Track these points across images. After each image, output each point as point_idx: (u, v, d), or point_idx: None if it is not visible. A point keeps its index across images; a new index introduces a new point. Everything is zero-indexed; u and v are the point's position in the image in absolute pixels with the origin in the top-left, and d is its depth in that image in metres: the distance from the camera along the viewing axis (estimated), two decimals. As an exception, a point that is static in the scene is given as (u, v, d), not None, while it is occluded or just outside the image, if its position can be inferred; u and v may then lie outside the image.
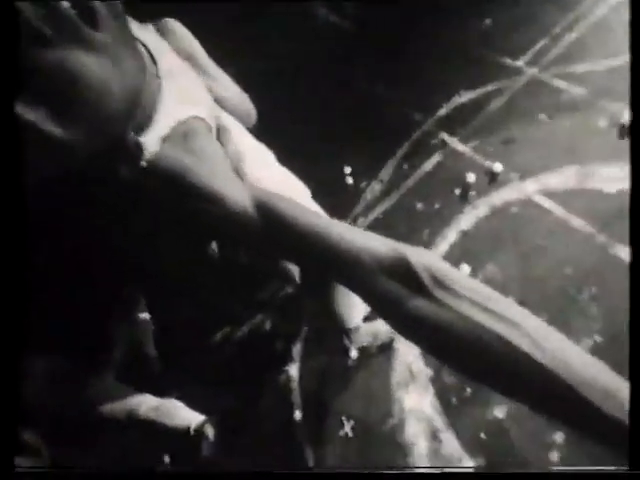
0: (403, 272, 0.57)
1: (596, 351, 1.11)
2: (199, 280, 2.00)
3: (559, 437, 1.05)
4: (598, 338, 1.13)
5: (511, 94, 1.76)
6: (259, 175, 0.88)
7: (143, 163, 0.63)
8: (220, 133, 0.86)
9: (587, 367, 0.53)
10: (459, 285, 0.57)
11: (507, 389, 0.57)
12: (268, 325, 1.72)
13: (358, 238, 0.60)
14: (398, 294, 0.57)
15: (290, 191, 1.02)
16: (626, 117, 1.41)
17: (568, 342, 0.57)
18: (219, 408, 1.60)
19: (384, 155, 1.94)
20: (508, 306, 0.57)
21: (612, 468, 0.54)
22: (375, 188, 1.85)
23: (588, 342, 1.13)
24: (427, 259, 0.59)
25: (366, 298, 0.60)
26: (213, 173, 0.64)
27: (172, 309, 1.96)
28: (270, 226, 0.62)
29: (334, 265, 0.59)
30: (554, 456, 1.04)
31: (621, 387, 0.55)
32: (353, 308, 1.33)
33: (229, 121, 0.96)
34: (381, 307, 0.59)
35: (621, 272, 1.19)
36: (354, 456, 1.28)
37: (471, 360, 0.55)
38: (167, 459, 1.60)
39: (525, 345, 0.53)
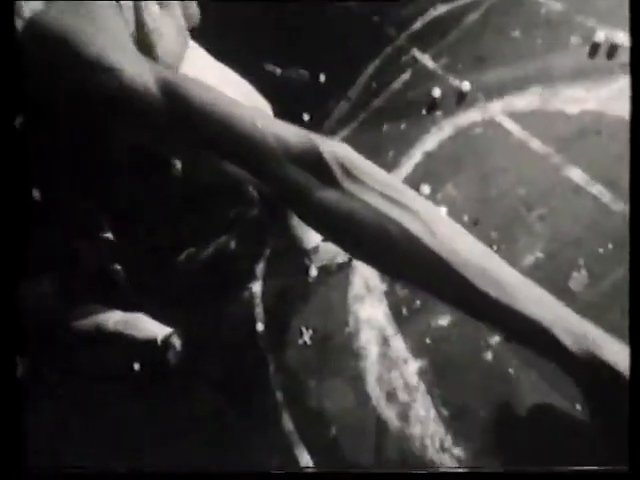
0: (313, 162, 0.57)
1: (537, 266, 1.18)
2: (163, 200, 1.94)
3: (494, 340, 1.15)
4: (539, 255, 1.19)
5: (488, 6, 1.65)
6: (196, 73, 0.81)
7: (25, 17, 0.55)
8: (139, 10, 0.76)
9: (477, 256, 0.57)
10: (369, 177, 0.58)
11: (402, 273, 0.60)
12: (233, 245, 1.73)
13: (270, 125, 0.58)
14: (307, 184, 0.57)
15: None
16: (600, 36, 1.36)
17: (462, 232, 0.60)
18: (185, 321, 1.66)
19: (354, 72, 1.83)
20: (413, 197, 0.59)
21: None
22: (343, 107, 1.78)
23: (530, 258, 1.20)
24: (339, 150, 0.58)
25: (274, 186, 0.59)
26: (110, 44, 0.58)
27: (135, 229, 1.92)
28: (176, 108, 0.57)
29: (243, 152, 0.57)
30: (488, 356, 1.15)
31: (511, 275, 0.59)
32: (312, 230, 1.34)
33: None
34: (289, 196, 0.59)
35: (569, 194, 1.23)
36: (312, 362, 1.37)
37: (374, 247, 0.57)
38: (137, 366, 1.68)
39: (416, 229, 0.55)
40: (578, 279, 1.11)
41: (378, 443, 1.18)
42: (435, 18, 1.77)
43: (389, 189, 0.57)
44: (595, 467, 0.58)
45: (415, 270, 0.56)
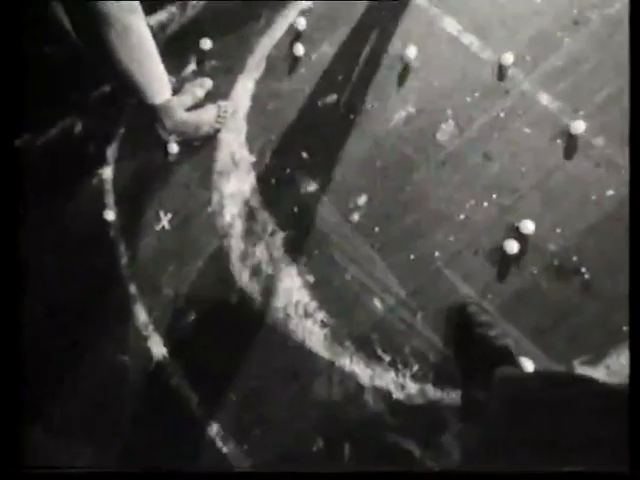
0: None
1: (409, 118, 1.05)
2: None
3: (361, 201, 1.03)
4: (411, 109, 1.06)
5: None
6: None
7: None
8: None
9: None
10: None
11: None
12: (79, 128, 1.37)
13: None
14: None
15: None
16: None
17: None
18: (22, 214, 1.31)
19: None
20: None
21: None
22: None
23: (402, 113, 1.06)
24: None
25: None
26: None
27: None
28: None
29: None
30: (354, 218, 1.03)
31: None
32: (157, 80, 1.05)
33: None
34: None
35: (443, 45, 1.09)
36: (171, 246, 1.15)
37: None
38: None
39: None
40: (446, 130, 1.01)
41: (240, 321, 1.04)
42: None
43: None
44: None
45: None
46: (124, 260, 1.20)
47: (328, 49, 1.19)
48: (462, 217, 0.93)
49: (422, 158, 1.00)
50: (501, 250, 0.90)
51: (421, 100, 1.06)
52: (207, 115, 1.18)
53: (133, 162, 1.27)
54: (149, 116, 1.14)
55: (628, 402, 0.45)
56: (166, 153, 1.23)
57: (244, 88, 1.23)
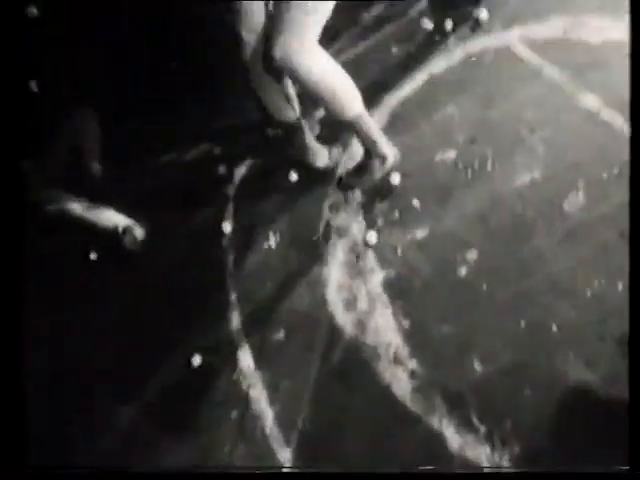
0: None
1: (533, 183, 1.00)
2: (155, 96, 1.74)
3: (471, 256, 0.97)
4: (537, 174, 1.01)
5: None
6: None
7: None
8: None
9: None
10: None
11: None
12: (217, 152, 1.54)
13: None
14: None
15: None
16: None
17: None
18: (153, 217, 1.47)
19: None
20: None
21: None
22: (354, 30, 1.58)
23: (527, 177, 1.02)
24: None
25: None
26: None
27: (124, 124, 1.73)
28: None
29: None
30: (462, 271, 0.97)
31: None
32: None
33: None
34: None
35: (579, 119, 1.05)
36: (274, 265, 1.18)
37: None
38: (93, 256, 1.49)
39: None
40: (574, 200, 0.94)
41: (326, 351, 1.00)
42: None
43: None
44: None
45: None
46: (230, 269, 1.26)
47: (453, 110, 1.21)
48: (588, 294, 0.83)
49: (544, 224, 0.93)
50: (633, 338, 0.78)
51: (549, 168, 1.01)
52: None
53: (257, 184, 1.37)
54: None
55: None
56: (287, 179, 1.31)
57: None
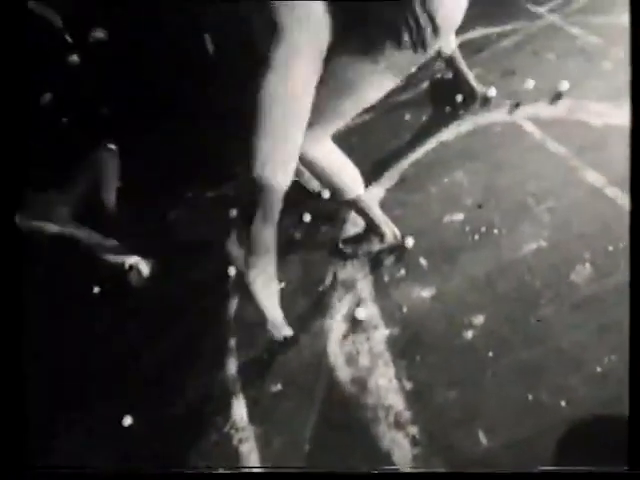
0: None
1: (539, 252, 1.01)
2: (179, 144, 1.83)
3: (477, 320, 0.95)
4: (543, 243, 1.02)
5: (526, 35, 1.60)
6: None
7: None
8: None
9: None
10: None
11: None
12: (230, 194, 1.58)
13: None
14: None
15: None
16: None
17: None
18: (163, 254, 1.48)
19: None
20: None
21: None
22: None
23: (533, 245, 1.03)
24: None
25: None
26: None
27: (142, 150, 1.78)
28: None
29: None
30: (467, 335, 0.95)
31: None
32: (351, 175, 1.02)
33: None
34: None
35: (583, 193, 1.08)
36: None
37: None
38: (96, 290, 1.48)
39: None
40: (581, 272, 0.94)
41: (325, 404, 0.96)
42: (474, 38, 1.73)
43: None
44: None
45: None
46: (232, 312, 1.25)
47: (462, 177, 1.26)
48: (599, 370, 0.80)
49: (552, 294, 0.93)
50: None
51: (554, 237, 1.02)
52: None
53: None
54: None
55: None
56: (297, 223, 1.33)
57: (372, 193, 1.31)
